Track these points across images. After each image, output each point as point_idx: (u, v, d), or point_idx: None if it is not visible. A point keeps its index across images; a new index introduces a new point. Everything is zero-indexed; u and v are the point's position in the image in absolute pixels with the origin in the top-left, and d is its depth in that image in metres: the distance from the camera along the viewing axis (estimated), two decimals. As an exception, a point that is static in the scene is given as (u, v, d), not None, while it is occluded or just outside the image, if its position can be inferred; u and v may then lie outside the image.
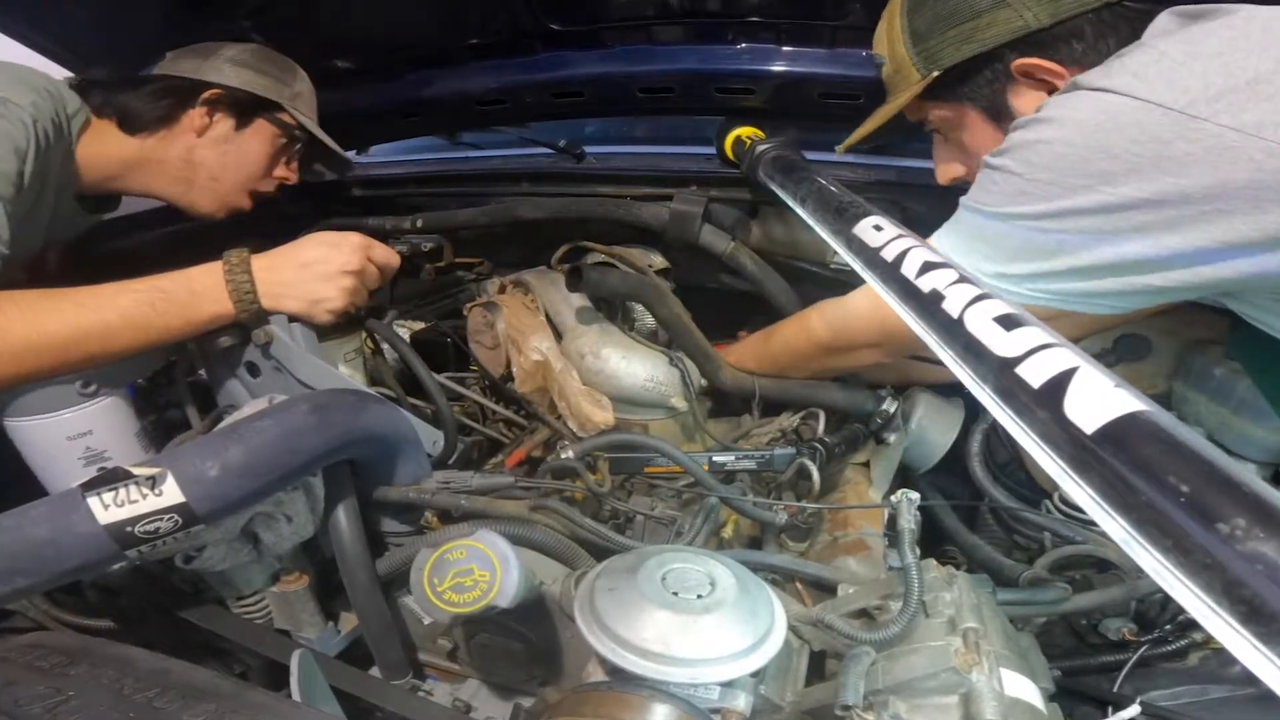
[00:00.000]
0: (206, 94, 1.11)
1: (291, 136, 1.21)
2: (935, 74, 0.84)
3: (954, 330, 0.46)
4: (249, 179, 1.19)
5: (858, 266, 0.63)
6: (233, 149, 1.15)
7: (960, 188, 0.91)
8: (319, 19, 1.30)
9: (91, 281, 0.82)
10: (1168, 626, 0.93)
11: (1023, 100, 0.82)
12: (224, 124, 1.14)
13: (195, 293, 0.85)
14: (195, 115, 1.11)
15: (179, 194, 1.15)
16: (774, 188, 1.01)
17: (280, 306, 0.89)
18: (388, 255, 0.98)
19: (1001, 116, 0.84)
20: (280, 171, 1.24)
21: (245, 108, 1.15)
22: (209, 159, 1.14)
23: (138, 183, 1.11)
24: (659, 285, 1.11)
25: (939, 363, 0.48)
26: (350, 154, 1.87)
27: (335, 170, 1.39)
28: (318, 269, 0.90)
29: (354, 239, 0.94)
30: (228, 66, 1.13)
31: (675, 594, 0.60)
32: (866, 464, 1.13)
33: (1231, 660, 0.84)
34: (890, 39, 0.90)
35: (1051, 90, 0.80)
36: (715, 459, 0.98)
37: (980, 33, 0.80)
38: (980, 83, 0.84)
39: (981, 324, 0.44)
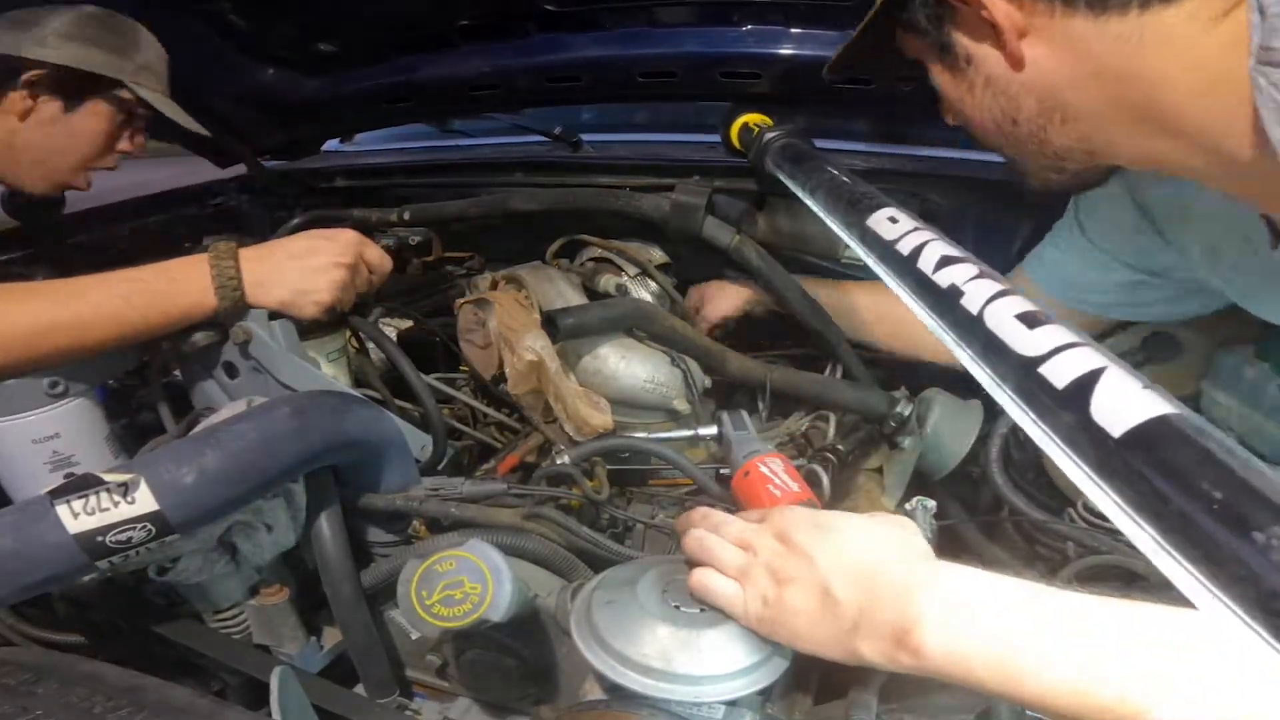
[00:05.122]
0: (27, 75, 1.02)
1: (133, 113, 1.14)
2: None
3: (973, 328, 0.46)
4: (82, 160, 1.13)
5: (871, 261, 0.63)
6: (61, 131, 1.08)
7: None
8: (301, -1, 1.30)
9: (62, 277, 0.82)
10: (1198, 642, 0.93)
11: (967, 38, 0.69)
12: (50, 105, 1.05)
13: (175, 282, 0.85)
14: (16, 98, 1.03)
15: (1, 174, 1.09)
16: (782, 178, 1.01)
17: (265, 298, 0.89)
18: (381, 258, 1.00)
19: (947, 53, 0.72)
20: (123, 145, 1.17)
21: (76, 88, 1.06)
22: (33, 142, 1.07)
23: None
24: (644, 306, 1.10)
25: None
26: (334, 143, 1.89)
27: (189, 145, 1.32)
28: (308, 260, 0.91)
29: (348, 234, 0.96)
30: (54, 39, 1.03)
31: (677, 607, 0.60)
32: (879, 470, 1.13)
33: (1266, 677, 0.84)
34: None
35: (996, 29, 0.65)
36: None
37: None
38: (920, 4, 0.71)
39: (1002, 321, 0.44)
